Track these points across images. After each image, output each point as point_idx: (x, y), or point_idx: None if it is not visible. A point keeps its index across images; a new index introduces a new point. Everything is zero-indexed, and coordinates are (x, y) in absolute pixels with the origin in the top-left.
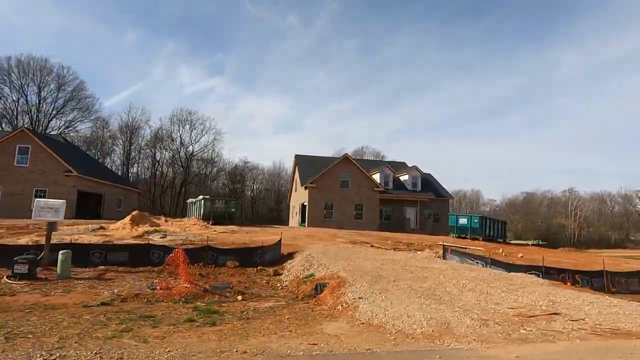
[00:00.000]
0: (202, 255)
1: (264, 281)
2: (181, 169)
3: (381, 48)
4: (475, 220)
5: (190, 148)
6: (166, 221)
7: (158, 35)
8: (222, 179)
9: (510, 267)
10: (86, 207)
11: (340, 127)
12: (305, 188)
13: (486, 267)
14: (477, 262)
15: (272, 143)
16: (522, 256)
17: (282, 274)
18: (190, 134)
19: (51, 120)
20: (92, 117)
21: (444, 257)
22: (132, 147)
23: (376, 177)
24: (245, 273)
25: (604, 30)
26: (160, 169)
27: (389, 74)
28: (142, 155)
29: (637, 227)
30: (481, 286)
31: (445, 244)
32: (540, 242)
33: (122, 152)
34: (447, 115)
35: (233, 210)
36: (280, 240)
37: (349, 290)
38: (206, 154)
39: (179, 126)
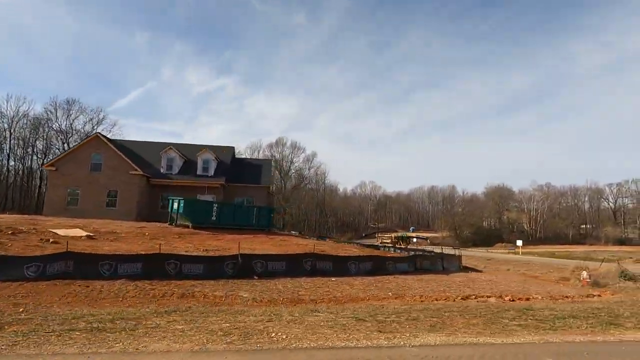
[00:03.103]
0: None
1: None
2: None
3: (391, 45)
4: (182, 205)
5: (71, 138)
6: None
7: (166, 36)
8: None
9: None
10: None
11: (351, 126)
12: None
13: None
14: None
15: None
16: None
17: None
18: (72, 123)
19: None
20: None
21: None
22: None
23: (163, 160)
24: None
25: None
26: (32, 160)
27: (399, 72)
28: (19, 145)
29: (605, 222)
30: None
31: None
32: (406, 235)
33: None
34: (450, 113)
35: None
36: None
37: None
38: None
39: (61, 115)
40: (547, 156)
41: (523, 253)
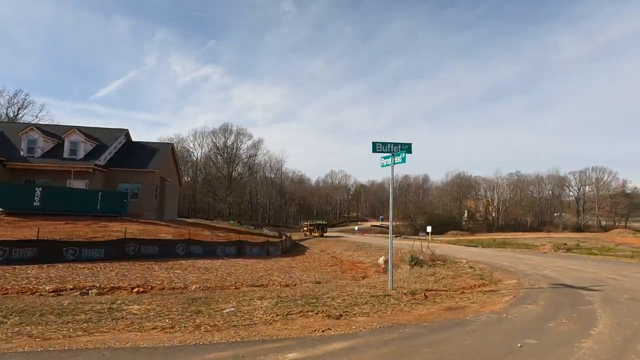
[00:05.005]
0: None
1: None
2: None
3: (377, 35)
4: None
5: None
6: None
7: (149, 23)
8: None
9: None
10: None
11: (340, 116)
12: None
13: None
14: None
15: (269, 134)
16: None
17: None
18: None
19: None
20: None
21: None
22: None
23: (23, 142)
24: None
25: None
26: None
27: (385, 62)
28: None
29: (567, 209)
30: None
31: None
32: (322, 222)
33: None
34: (434, 103)
35: None
36: None
37: None
38: None
39: None
40: (520, 145)
41: (462, 242)
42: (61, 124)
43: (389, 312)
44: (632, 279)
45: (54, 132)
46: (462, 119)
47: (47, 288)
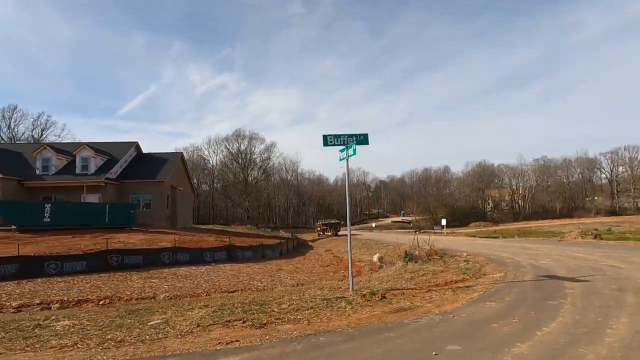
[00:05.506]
0: None
1: None
2: None
3: (389, 27)
4: None
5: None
6: None
7: (164, 37)
8: None
9: None
10: None
11: (354, 113)
12: None
13: None
14: None
15: (286, 137)
16: None
17: None
18: (14, 129)
19: None
20: None
21: None
22: None
23: (38, 161)
24: None
25: None
26: None
27: (397, 55)
28: None
29: (599, 193)
30: None
31: None
32: (334, 222)
33: None
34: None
35: None
36: None
37: None
38: None
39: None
40: (543, 130)
41: (479, 234)
42: (82, 141)
43: (325, 318)
44: (635, 267)
45: (67, 150)
46: (479, 107)
47: (13, 304)
